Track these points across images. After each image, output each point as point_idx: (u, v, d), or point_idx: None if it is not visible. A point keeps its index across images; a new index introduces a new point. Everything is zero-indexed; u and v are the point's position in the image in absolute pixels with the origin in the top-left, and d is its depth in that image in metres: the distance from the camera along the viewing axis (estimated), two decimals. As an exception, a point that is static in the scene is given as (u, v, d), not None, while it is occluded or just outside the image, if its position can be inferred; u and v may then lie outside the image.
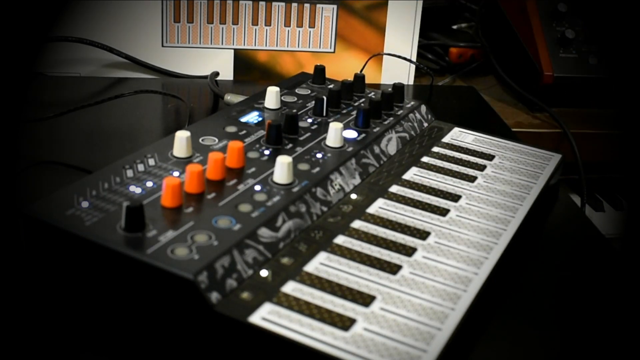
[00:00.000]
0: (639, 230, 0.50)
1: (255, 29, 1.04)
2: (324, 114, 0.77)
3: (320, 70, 0.86)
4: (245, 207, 0.60)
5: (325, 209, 0.64)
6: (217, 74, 1.02)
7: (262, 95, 0.79)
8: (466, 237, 0.63)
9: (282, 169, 0.63)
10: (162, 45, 1.03)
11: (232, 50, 1.05)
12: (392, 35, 1.07)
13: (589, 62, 1.10)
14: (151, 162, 0.65)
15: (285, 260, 0.57)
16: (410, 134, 0.80)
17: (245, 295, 0.53)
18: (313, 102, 0.79)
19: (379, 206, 0.66)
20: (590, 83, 1.10)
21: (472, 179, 0.73)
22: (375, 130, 0.76)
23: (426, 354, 0.49)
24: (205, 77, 1.01)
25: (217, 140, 0.70)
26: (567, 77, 1.09)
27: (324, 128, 0.74)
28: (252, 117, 0.76)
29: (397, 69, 1.09)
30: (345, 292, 0.54)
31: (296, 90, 0.84)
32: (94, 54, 1.02)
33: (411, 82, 1.11)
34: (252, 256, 0.56)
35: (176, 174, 0.63)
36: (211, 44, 1.04)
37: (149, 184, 0.61)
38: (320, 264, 0.57)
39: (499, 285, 0.60)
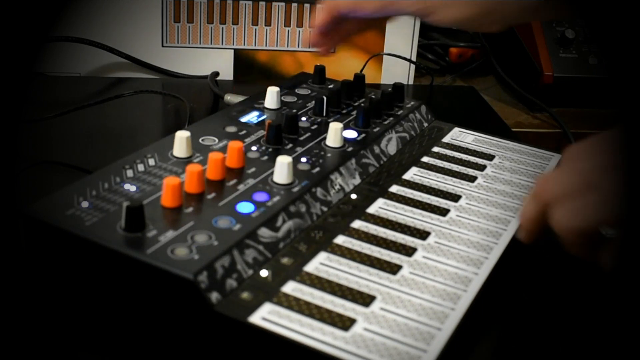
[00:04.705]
0: (639, 228, 0.50)
1: (255, 29, 1.04)
2: (324, 114, 0.77)
3: (320, 70, 0.86)
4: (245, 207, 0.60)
5: (325, 209, 0.64)
6: (217, 74, 1.02)
7: (262, 95, 0.79)
8: (466, 237, 0.63)
9: (282, 169, 0.63)
10: (162, 45, 1.03)
11: (232, 50, 1.05)
12: (392, 35, 1.07)
13: (589, 62, 1.10)
14: (151, 162, 0.65)
15: (285, 260, 0.57)
16: (410, 134, 0.80)
17: (245, 295, 0.53)
18: (313, 102, 0.79)
19: (379, 206, 0.66)
20: (590, 83, 1.10)
21: (472, 179, 0.73)
22: (375, 130, 0.76)
23: (426, 354, 0.49)
24: (205, 77, 1.01)
25: (217, 140, 0.70)
26: (567, 77, 1.09)
27: (324, 128, 0.74)
28: (252, 117, 0.76)
29: (397, 69, 1.09)
30: (345, 292, 0.54)
31: (296, 90, 0.84)
32: (94, 54, 1.01)
33: (411, 82, 1.10)
34: (252, 256, 0.56)
35: (176, 174, 0.63)
36: (211, 44, 1.04)
37: (149, 183, 0.61)
38: (320, 264, 0.57)
39: (499, 285, 0.60)
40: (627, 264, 0.50)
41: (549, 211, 0.53)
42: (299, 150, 0.70)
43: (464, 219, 0.66)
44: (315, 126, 0.75)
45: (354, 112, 0.79)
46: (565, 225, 0.52)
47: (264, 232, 0.58)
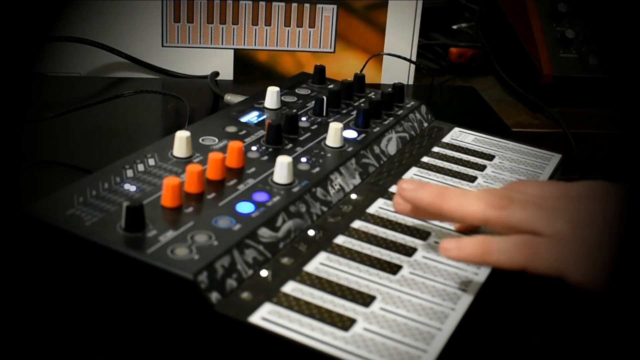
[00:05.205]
0: (639, 231, 0.50)
1: (255, 29, 1.04)
2: (324, 114, 0.77)
3: (320, 70, 0.86)
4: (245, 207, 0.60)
5: (325, 209, 0.64)
6: (217, 74, 1.02)
7: (262, 95, 0.79)
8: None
9: (282, 169, 0.63)
10: (162, 45, 1.03)
11: (232, 50, 1.05)
12: (392, 35, 1.07)
13: (589, 62, 1.10)
14: (151, 162, 0.65)
15: (285, 260, 0.57)
16: (410, 134, 0.80)
17: (245, 295, 0.53)
18: (313, 102, 0.79)
19: (379, 206, 0.66)
20: (590, 83, 1.10)
21: (472, 179, 0.73)
22: (375, 130, 0.76)
23: (426, 354, 0.49)
24: (205, 77, 1.01)
25: (217, 140, 0.70)
26: (567, 77, 1.09)
27: (324, 128, 0.74)
28: (252, 117, 0.76)
29: (397, 69, 1.09)
30: (345, 292, 0.54)
31: (296, 90, 0.84)
32: (94, 54, 1.02)
33: (411, 82, 1.11)
34: (252, 256, 0.56)
35: (176, 174, 0.63)
36: (211, 44, 1.04)
37: (149, 183, 0.61)
38: (320, 264, 0.57)
39: (499, 285, 0.60)
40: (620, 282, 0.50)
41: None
42: (299, 150, 0.70)
43: (464, 219, 0.66)
44: (315, 126, 0.75)
45: (354, 112, 0.79)
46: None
47: (264, 232, 0.58)
